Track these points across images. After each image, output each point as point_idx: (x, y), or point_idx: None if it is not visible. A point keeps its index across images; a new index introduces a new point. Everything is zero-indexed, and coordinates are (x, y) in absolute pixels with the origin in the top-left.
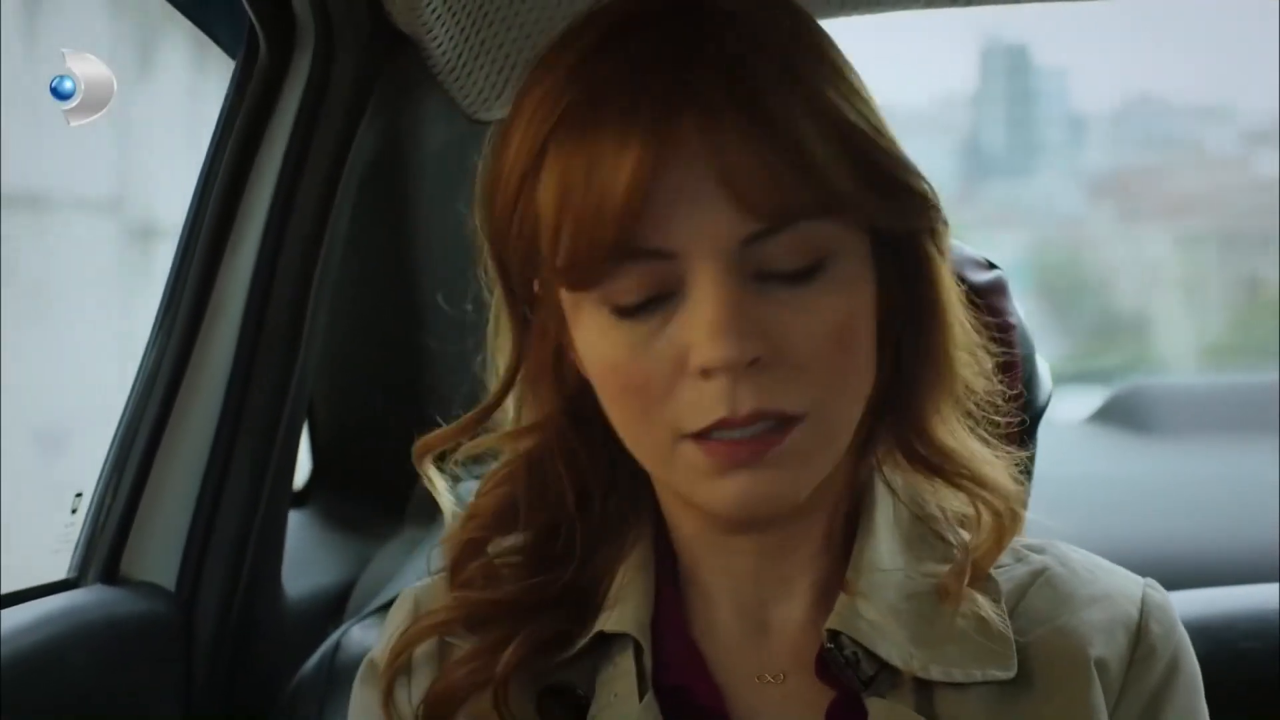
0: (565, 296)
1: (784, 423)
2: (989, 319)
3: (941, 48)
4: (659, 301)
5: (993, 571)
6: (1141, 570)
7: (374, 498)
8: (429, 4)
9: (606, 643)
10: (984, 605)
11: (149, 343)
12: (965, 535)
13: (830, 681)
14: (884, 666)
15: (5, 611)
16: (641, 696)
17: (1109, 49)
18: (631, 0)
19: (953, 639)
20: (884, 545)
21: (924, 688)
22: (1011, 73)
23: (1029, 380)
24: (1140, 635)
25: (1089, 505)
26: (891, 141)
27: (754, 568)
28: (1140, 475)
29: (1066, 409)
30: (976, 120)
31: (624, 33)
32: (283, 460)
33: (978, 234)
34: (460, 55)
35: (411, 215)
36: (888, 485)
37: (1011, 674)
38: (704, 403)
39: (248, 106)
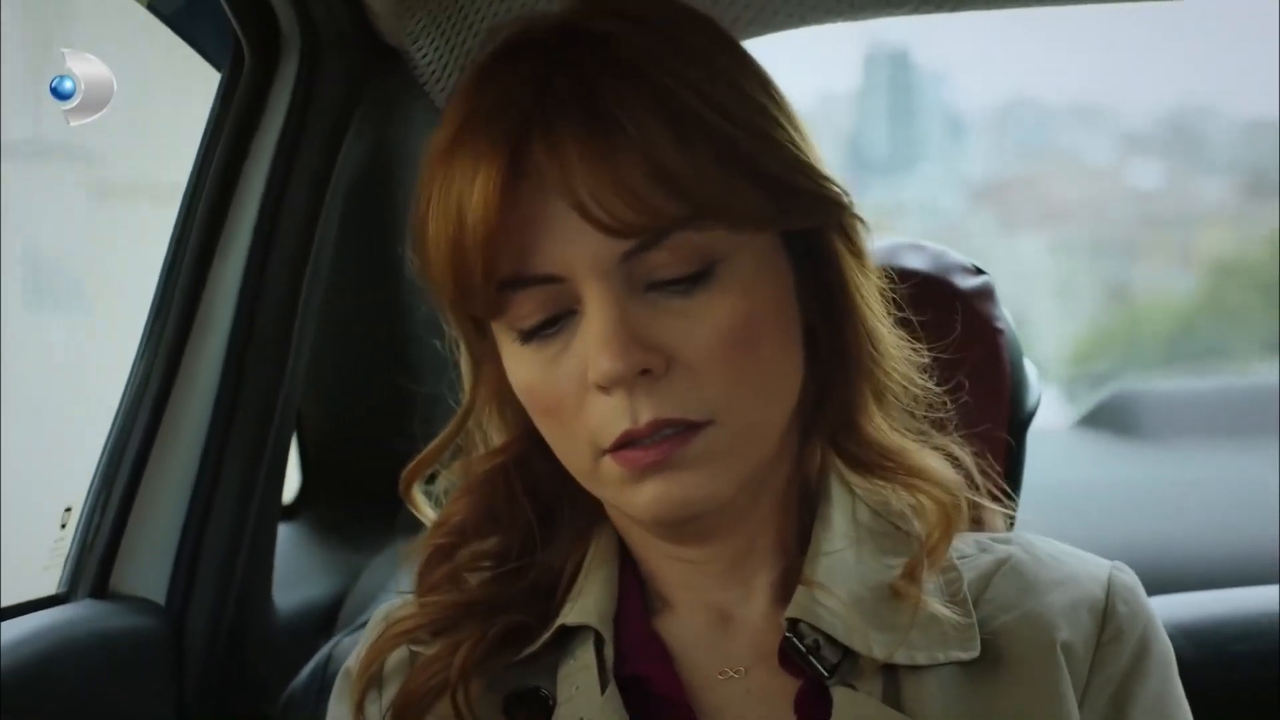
0: (493, 327)
1: (689, 428)
2: (976, 324)
3: (826, 49)
4: (560, 322)
5: (957, 561)
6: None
7: (363, 510)
8: (415, 15)
9: (568, 637)
10: (943, 594)
11: (137, 356)
12: (918, 525)
13: (794, 672)
14: (847, 654)
15: None
16: (604, 688)
17: (989, 52)
18: (520, 26)
19: (915, 625)
20: (842, 539)
21: (889, 673)
22: (894, 76)
23: (1017, 385)
24: (1107, 617)
25: (1078, 510)
26: (785, 146)
27: (711, 574)
28: (1129, 480)
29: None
30: (859, 122)
31: (496, 64)
32: (272, 473)
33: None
34: (446, 66)
35: (398, 226)
36: (844, 483)
37: (974, 654)
38: (608, 417)
39: (233, 118)
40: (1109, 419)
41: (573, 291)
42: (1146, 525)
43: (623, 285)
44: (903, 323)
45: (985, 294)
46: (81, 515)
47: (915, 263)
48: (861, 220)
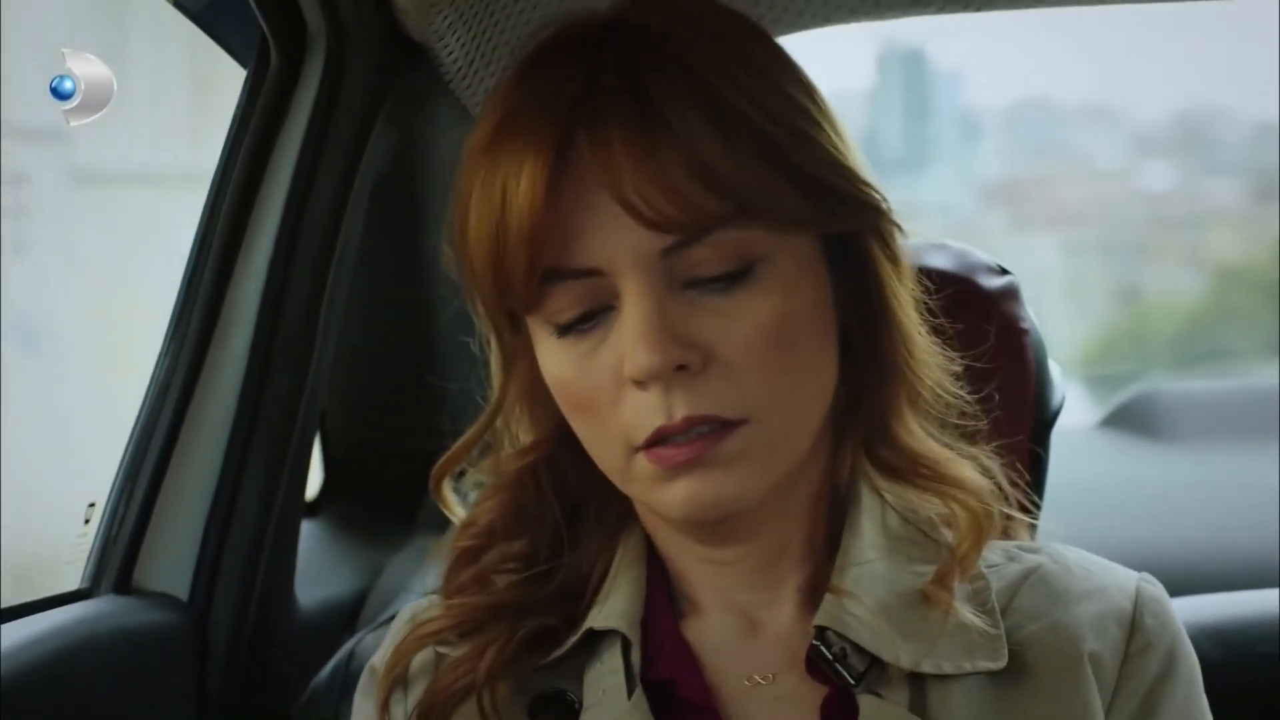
0: (529, 321)
1: (723, 426)
2: (999, 325)
3: (840, 48)
4: (598, 317)
5: (985, 570)
6: (1156, 576)
7: (386, 507)
8: (440, 11)
9: (595, 641)
10: (971, 603)
11: (161, 353)
12: (948, 534)
13: (821, 679)
14: (874, 662)
15: (18, 622)
16: (630, 693)
17: (1002, 51)
18: (563, 24)
19: (943, 634)
20: (871, 546)
21: (916, 682)
22: (907, 75)
23: (1041, 386)
24: (1135, 629)
25: (1102, 510)
26: (829, 149)
27: (740, 575)
28: (1152, 480)
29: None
30: (872, 120)
31: (540, 60)
32: (295, 470)
33: None
34: (472, 62)
35: (423, 223)
36: (875, 489)
37: (1002, 664)
38: (643, 413)
39: (259, 115)
40: (1131, 419)
41: (612, 286)
42: (1170, 526)
43: (662, 281)
44: (933, 328)
45: (1010, 294)
46: (105, 510)
47: (940, 262)
48: (899, 226)
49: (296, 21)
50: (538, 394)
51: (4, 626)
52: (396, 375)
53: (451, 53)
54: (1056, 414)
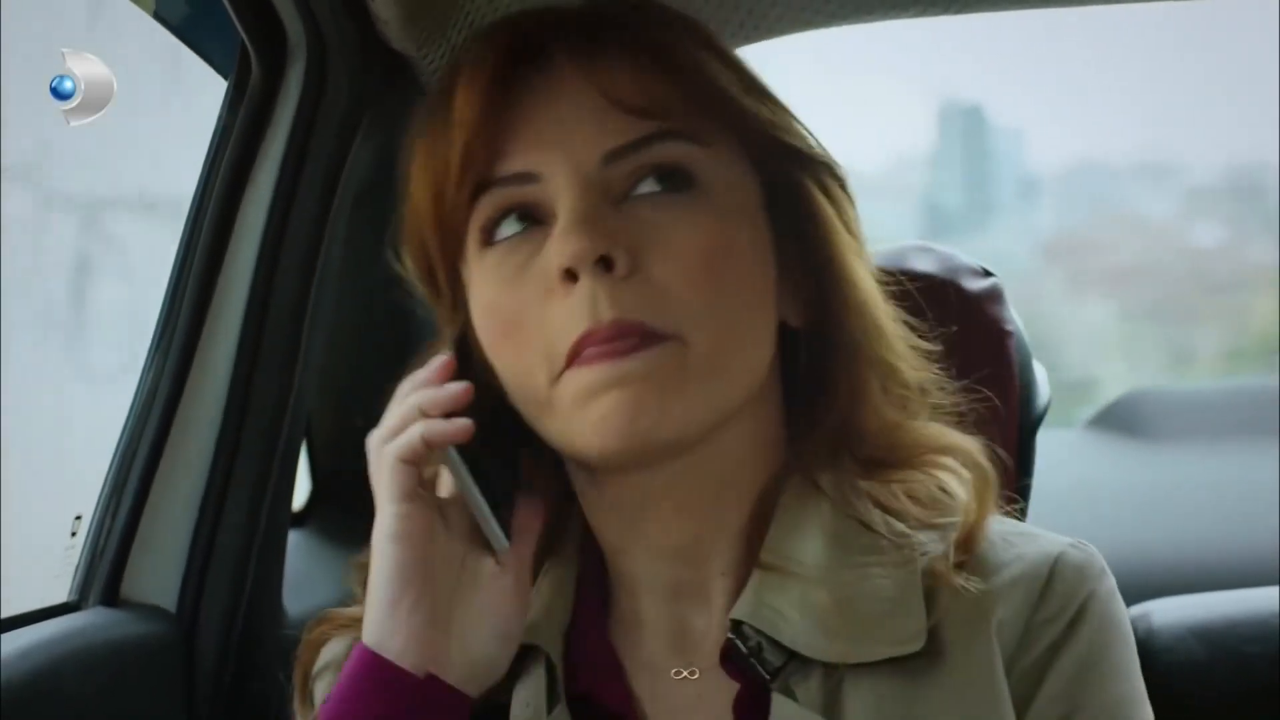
0: (469, 275)
1: (651, 339)
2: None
3: (899, 109)
4: (529, 230)
5: (917, 555)
6: (1144, 576)
7: (374, 516)
8: (420, 22)
9: (522, 654)
10: (895, 585)
11: (146, 364)
12: (900, 526)
13: (736, 675)
14: (793, 656)
15: (6, 635)
16: (551, 708)
17: (1061, 108)
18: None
19: (864, 623)
20: (802, 538)
21: (835, 674)
22: (967, 133)
23: (1026, 387)
24: (1043, 595)
25: (1088, 511)
26: (776, 103)
27: (674, 566)
28: (1139, 481)
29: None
30: (933, 180)
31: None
32: (282, 480)
33: None
34: None
35: None
36: (813, 482)
37: (918, 647)
38: (571, 315)
39: (241, 126)
40: (1118, 420)
41: (547, 197)
42: (1156, 527)
43: (599, 189)
44: (914, 329)
45: (994, 296)
46: (92, 523)
47: (923, 265)
48: (844, 187)
49: (276, 32)
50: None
51: None
52: (383, 385)
53: (432, 63)
54: (1042, 415)
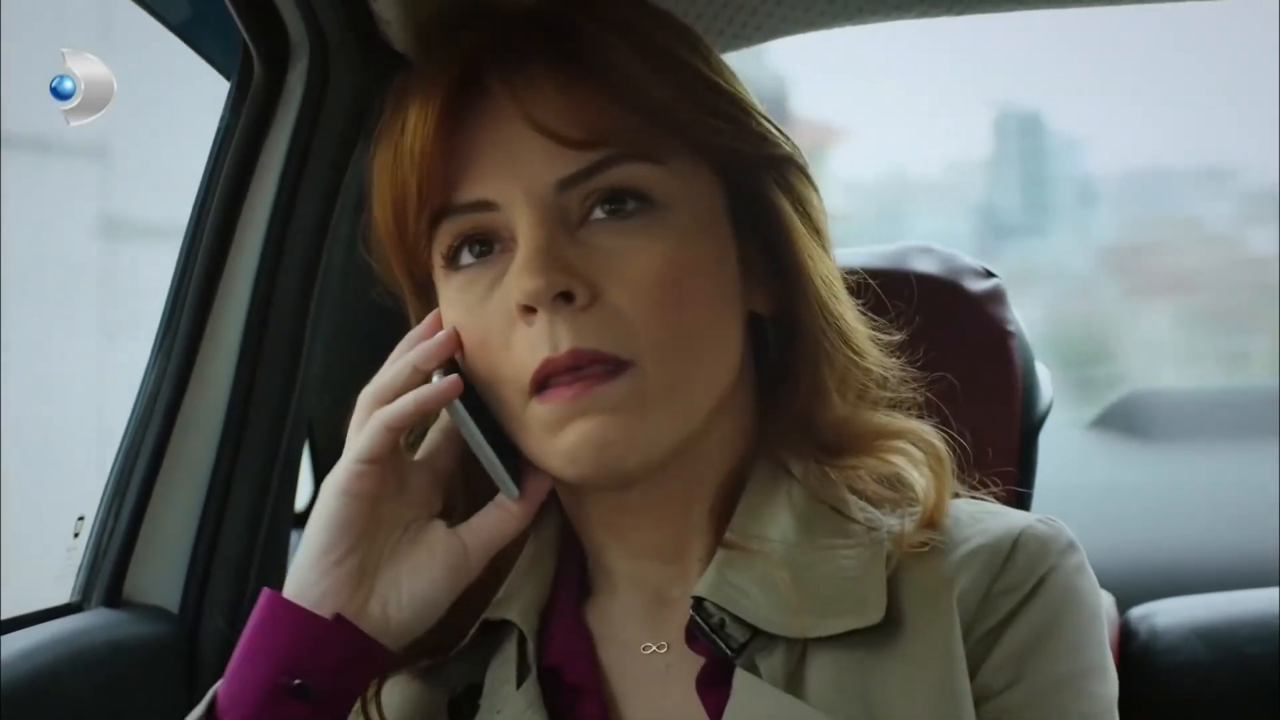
0: (438, 288)
1: (612, 368)
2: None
3: (956, 115)
4: (491, 256)
5: (884, 537)
6: (1147, 577)
7: None
8: (423, 22)
9: (496, 633)
10: (859, 565)
11: (148, 365)
12: (872, 513)
13: (702, 650)
14: (757, 632)
15: (8, 636)
16: (520, 682)
17: (1120, 115)
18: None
19: (825, 598)
20: (770, 518)
21: (796, 648)
22: (1024, 138)
23: (1029, 388)
24: (1004, 567)
25: (1090, 512)
26: (734, 83)
27: (653, 563)
28: (1141, 482)
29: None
30: (991, 185)
31: (449, 23)
32: (284, 481)
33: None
34: None
35: None
36: (782, 465)
37: (877, 618)
38: (530, 346)
39: (243, 127)
40: (1121, 420)
41: (506, 223)
42: (1158, 527)
43: (555, 217)
44: (917, 330)
45: (996, 297)
46: (94, 524)
47: (925, 266)
48: (807, 180)
49: (279, 33)
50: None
51: None
52: None
53: None
54: (1044, 416)
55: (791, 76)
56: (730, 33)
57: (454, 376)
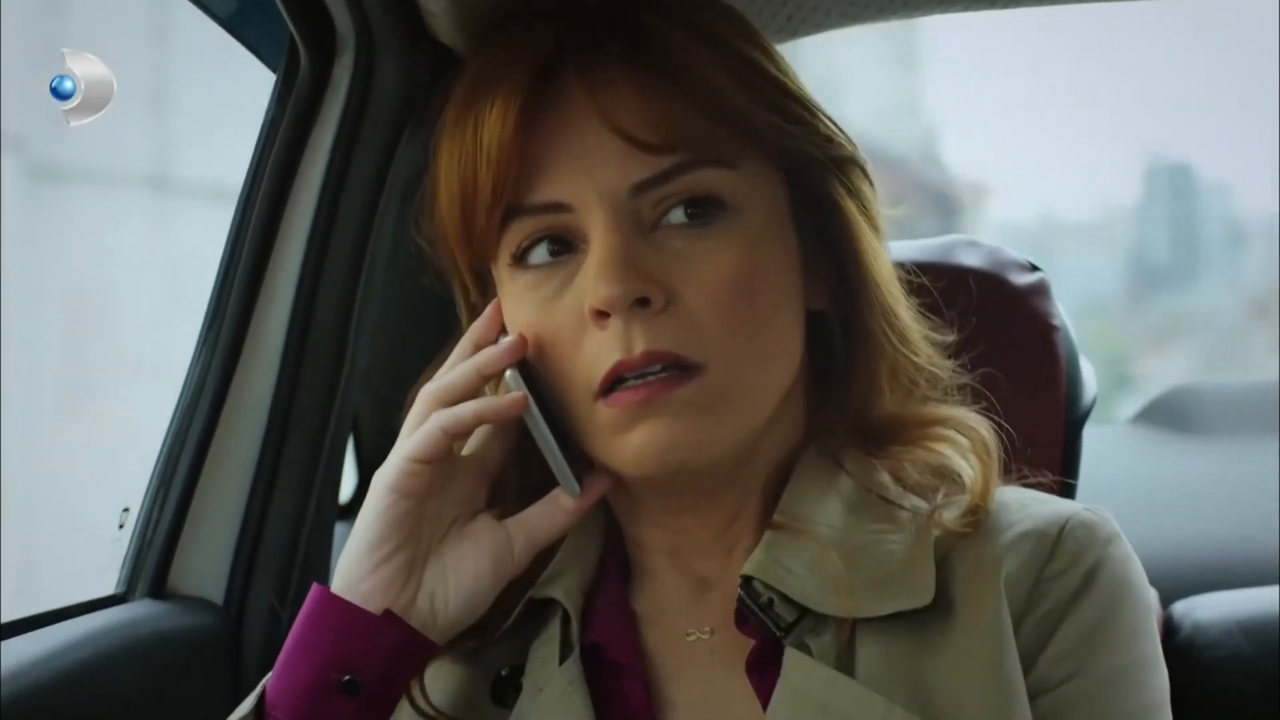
0: (495, 275)
1: (683, 370)
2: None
3: (1107, 162)
4: (563, 256)
5: (931, 525)
6: (1190, 571)
7: None
8: (469, 14)
9: (540, 613)
10: (906, 550)
11: (193, 358)
12: (918, 501)
13: (750, 632)
14: (806, 612)
15: (54, 627)
16: (562, 659)
17: (1269, 161)
18: None
19: (874, 580)
20: (817, 502)
21: (845, 629)
22: (1175, 191)
23: (1073, 382)
24: (1053, 552)
25: (1134, 506)
26: (798, 81)
27: (696, 541)
28: (1185, 476)
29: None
30: (1141, 233)
31: (519, 12)
32: (329, 473)
33: (1146, 346)
34: None
35: None
36: (831, 455)
37: (926, 601)
38: (603, 350)
39: (289, 119)
40: (1165, 415)
41: (578, 226)
42: (1203, 522)
43: (630, 220)
44: (964, 325)
45: (1041, 291)
46: (140, 515)
47: (970, 260)
48: (870, 183)
49: (326, 25)
50: None
51: (41, 631)
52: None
53: None
54: (1089, 410)
55: (943, 124)
56: (774, 27)
57: (521, 394)
